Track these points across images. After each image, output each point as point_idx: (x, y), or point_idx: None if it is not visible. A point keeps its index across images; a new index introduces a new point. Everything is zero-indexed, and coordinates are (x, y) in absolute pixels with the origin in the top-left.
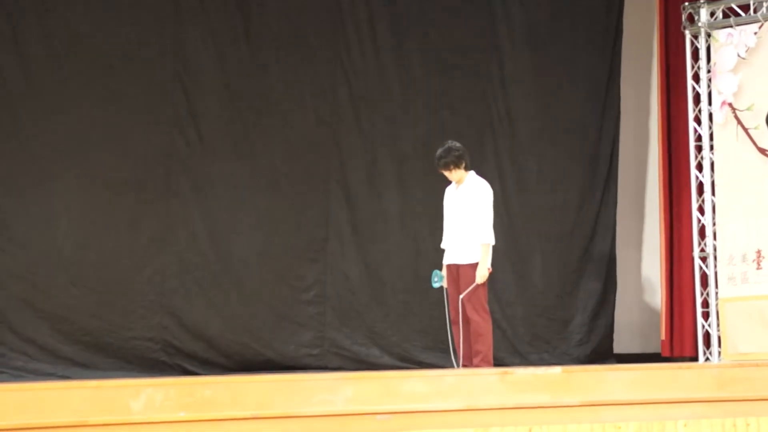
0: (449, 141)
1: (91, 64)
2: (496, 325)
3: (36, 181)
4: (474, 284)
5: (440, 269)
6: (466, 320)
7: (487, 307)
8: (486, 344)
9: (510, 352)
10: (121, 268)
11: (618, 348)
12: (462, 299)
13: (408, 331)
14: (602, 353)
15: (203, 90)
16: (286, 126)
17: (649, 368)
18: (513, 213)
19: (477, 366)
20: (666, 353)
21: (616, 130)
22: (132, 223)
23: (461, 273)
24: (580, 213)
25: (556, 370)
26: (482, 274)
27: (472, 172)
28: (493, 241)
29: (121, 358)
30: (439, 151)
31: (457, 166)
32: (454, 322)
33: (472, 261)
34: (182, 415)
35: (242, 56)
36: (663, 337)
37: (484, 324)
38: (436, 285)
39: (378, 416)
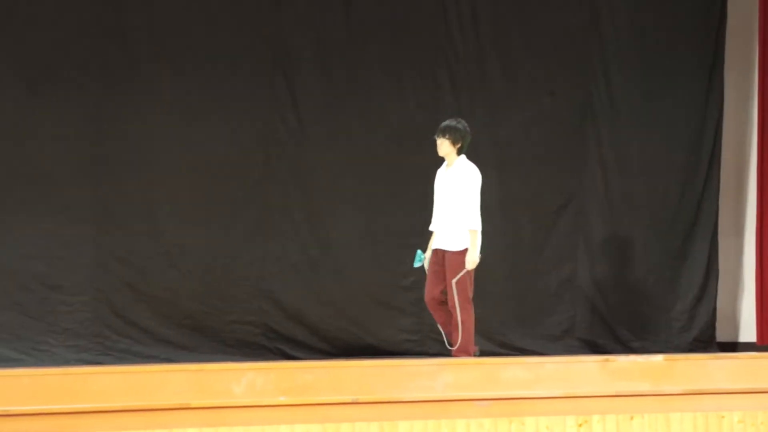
0: (460, 119)
1: (192, 52)
2: (596, 312)
3: (138, 167)
4: (463, 271)
5: (424, 251)
6: (451, 306)
7: (470, 296)
8: (467, 334)
9: (611, 340)
10: (221, 252)
11: (721, 336)
12: (435, 287)
13: (507, 317)
14: (704, 341)
15: (303, 76)
16: (386, 111)
17: (753, 357)
18: (614, 200)
19: (456, 356)
20: (761, 342)
21: (720, 116)
22: (232, 208)
23: (447, 259)
24: (681, 199)
25: (658, 358)
26: (472, 260)
27: (463, 156)
28: (479, 227)
29: (222, 341)
30: (447, 120)
31: (448, 139)
32: (429, 304)
33: (458, 248)
34: (282, 399)
35: (342, 42)
36: (757, 325)
37: (465, 314)
38: (416, 265)
39: (477, 402)
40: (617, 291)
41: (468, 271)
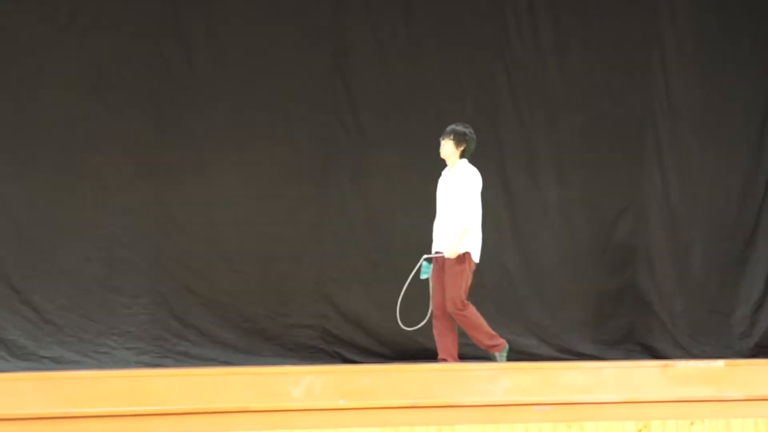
0: (468, 125)
1: (251, 55)
2: (656, 317)
3: (197, 170)
4: (459, 275)
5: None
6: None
7: (464, 298)
8: (481, 330)
9: (671, 345)
10: (280, 255)
11: None
12: (437, 291)
13: (567, 322)
14: (766, 347)
15: (361, 78)
16: (444, 114)
17: None
18: (673, 204)
19: (489, 349)
20: None
21: None
22: (291, 211)
23: (447, 263)
24: (742, 203)
25: (719, 363)
26: (453, 251)
27: (464, 160)
28: (471, 226)
29: (281, 345)
30: (454, 124)
31: (452, 140)
32: (435, 313)
33: (458, 251)
34: (341, 403)
35: (401, 44)
36: None
37: (463, 316)
38: (423, 276)
39: (536, 407)
40: (677, 296)
41: (466, 277)
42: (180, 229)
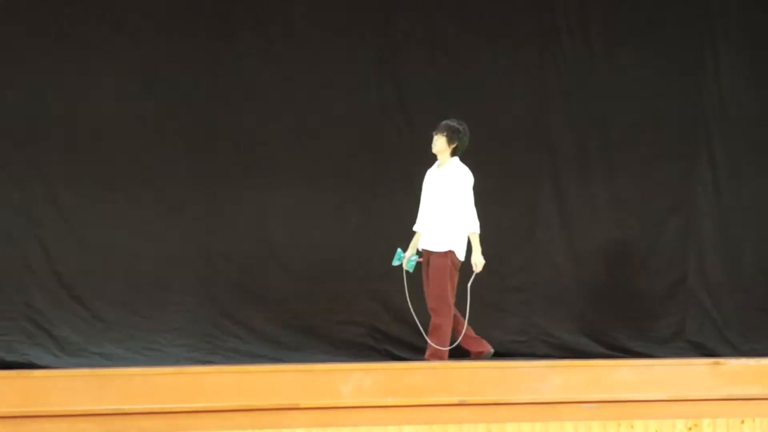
0: (462, 122)
1: (299, 53)
2: (707, 315)
3: (247, 167)
4: (444, 272)
5: (417, 252)
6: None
7: (449, 301)
8: (442, 338)
9: (721, 342)
10: (329, 253)
11: None
12: (427, 289)
13: (617, 319)
14: None
15: (410, 75)
16: (494, 111)
17: None
18: (725, 201)
19: (427, 359)
20: None
21: None
22: (340, 208)
23: (432, 261)
24: None
25: None
26: (479, 262)
27: (456, 158)
28: (479, 229)
29: (330, 342)
30: (448, 119)
31: (445, 136)
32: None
33: (442, 249)
34: (390, 400)
35: (451, 43)
36: None
37: (442, 317)
38: (395, 263)
39: (585, 405)
40: (728, 293)
41: (451, 275)
42: (230, 227)
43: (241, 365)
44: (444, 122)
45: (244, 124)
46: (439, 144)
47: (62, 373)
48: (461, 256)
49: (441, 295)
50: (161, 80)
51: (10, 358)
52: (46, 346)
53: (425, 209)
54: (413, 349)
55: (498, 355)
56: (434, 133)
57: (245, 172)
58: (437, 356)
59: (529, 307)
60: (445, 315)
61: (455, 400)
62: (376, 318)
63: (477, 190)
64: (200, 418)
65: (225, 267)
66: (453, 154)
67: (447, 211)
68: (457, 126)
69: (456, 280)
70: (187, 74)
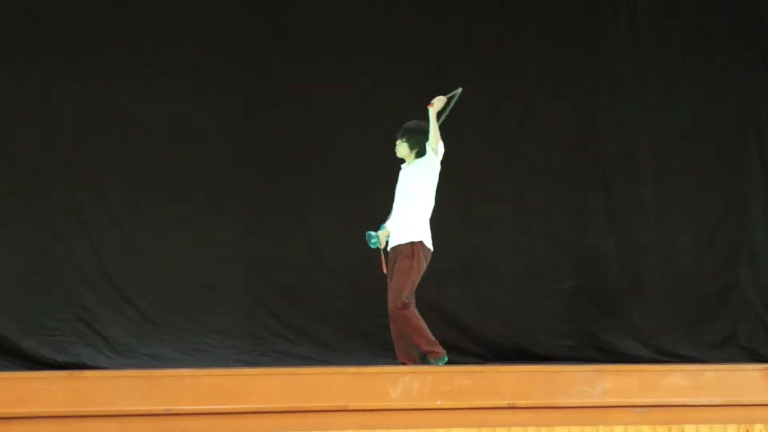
0: (422, 121)
1: (347, 59)
2: (759, 320)
3: (294, 170)
4: (406, 274)
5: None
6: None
7: (405, 299)
8: (422, 334)
9: None
10: (375, 255)
11: None
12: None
13: (667, 324)
14: None
15: (459, 78)
16: (541, 114)
17: None
18: None
19: (402, 362)
20: None
21: None
22: (387, 211)
23: (397, 260)
24: None
25: None
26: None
27: (423, 157)
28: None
29: (378, 344)
30: (409, 122)
31: (405, 142)
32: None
33: (411, 240)
34: (439, 403)
35: (497, 45)
36: None
37: (403, 315)
38: (373, 245)
39: (636, 409)
40: None
41: (415, 274)
42: (276, 229)
43: (289, 367)
44: (404, 126)
45: (293, 127)
46: (402, 149)
47: (113, 373)
48: (429, 244)
49: (401, 292)
50: (210, 83)
51: (62, 358)
52: (98, 347)
53: (394, 208)
54: (460, 352)
55: (547, 358)
56: (396, 137)
57: (294, 175)
58: (433, 353)
59: (578, 311)
60: (404, 314)
61: (504, 403)
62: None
63: (528, 196)
64: (248, 419)
65: (274, 269)
66: (418, 156)
67: (413, 203)
68: (416, 128)
69: (420, 274)
70: (236, 77)
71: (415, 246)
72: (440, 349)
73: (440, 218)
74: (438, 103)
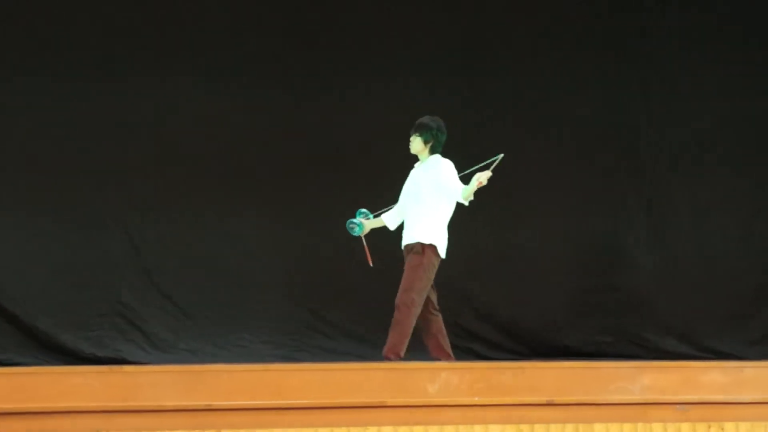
0: (436, 117)
1: (391, 54)
2: None
3: (334, 165)
4: (416, 269)
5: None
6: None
7: (416, 299)
8: (401, 334)
9: None
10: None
11: None
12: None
13: (706, 320)
14: None
15: (492, 76)
16: (580, 115)
17: None
18: None
19: (386, 356)
20: None
21: None
22: None
23: (409, 256)
24: None
25: None
26: (485, 175)
27: (437, 155)
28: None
29: (415, 340)
30: (422, 117)
31: (420, 137)
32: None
33: (426, 241)
34: (477, 400)
35: (537, 46)
36: None
37: (404, 314)
38: (357, 233)
39: (676, 406)
40: None
41: (425, 272)
42: (316, 225)
43: (327, 363)
44: (418, 121)
45: (331, 125)
46: (416, 144)
47: (152, 368)
48: (442, 252)
49: (408, 291)
50: (247, 77)
51: (101, 353)
52: (137, 342)
53: (403, 205)
54: (498, 348)
55: (586, 355)
56: (410, 133)
57: (334, 170)
58: (394, 352)
59: (617, 308)
60: (407, 313)
61: (543, 399)
62: (460, 316)
63: (564, 191)
64: (287, 415)
65: (313, 265)
66: (432, 151)
67: (430, 206)
68: (429, 122)
69: (431, 278)
70: (274, 77)
71: (426, 247)
72: (402, 355)
73: (480, 214)
74: (485, 179)
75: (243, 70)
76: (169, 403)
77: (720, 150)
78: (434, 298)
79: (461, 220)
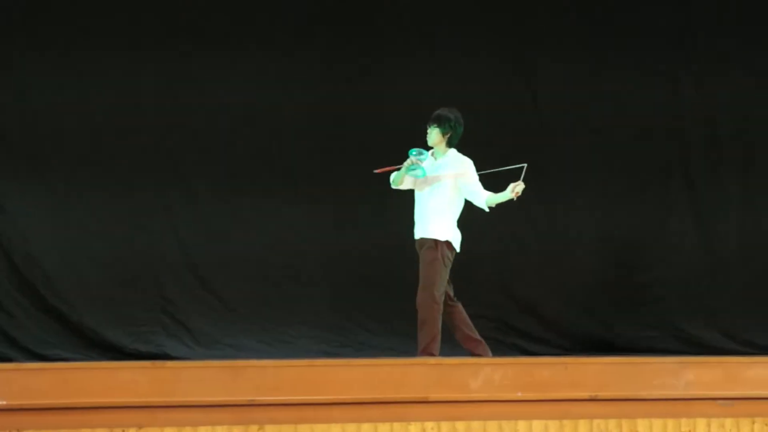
0: (453, 108)
1: (436, 41)
2: None
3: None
4: (432, 265)
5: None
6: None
7: (437, 296)
8: (429, 334)
9: None
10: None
11: None
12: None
13: (750, 315)
14: None
15: (543, 68)
16: (626, 108)
17: None
18: None
19: (419, 355)
20: None
21: None
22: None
23: (423, 252)
24: None
25: None
26: (519, 186)
27: (453, 150)
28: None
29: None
30: (440, 109)
31: (437, 128)
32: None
33: (441, 238)
34: (520, 395)
35: (583, 35)
36: None
37: (428, 310)
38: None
39: (719, 402)
40: None
41: (441, 267)
42: (361, 220)
43: (371, 358)
44: (435, 113)
45: (373, 122)
46: (433, 136)
47: (196, 364)
48: (457, 246)
49: (427, 288)
50: (296, 72)
51: (145, 348)
52: (180, 338)
53: (420, 198)
54: (542, 343)
55: (630, 350)
56: (427, 125)
57: (374, 164)
58: (427, 352)
59: (661, 303)
60: (431, 311)
61: (586, 395)
62: (503, 311)
63: (610, 185)
64: (330, 410)
65: (356, 260)
66: (449, 144)
67: (448, 203)
68: (449, 115)
69: (448, 272)
70: (324, 66)
71: (440, 243)
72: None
73: (521, 209)
74: (521, 191)
75: (295, 64)
76: (212, 399)
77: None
78: (450, 290)
79: (503, 215)
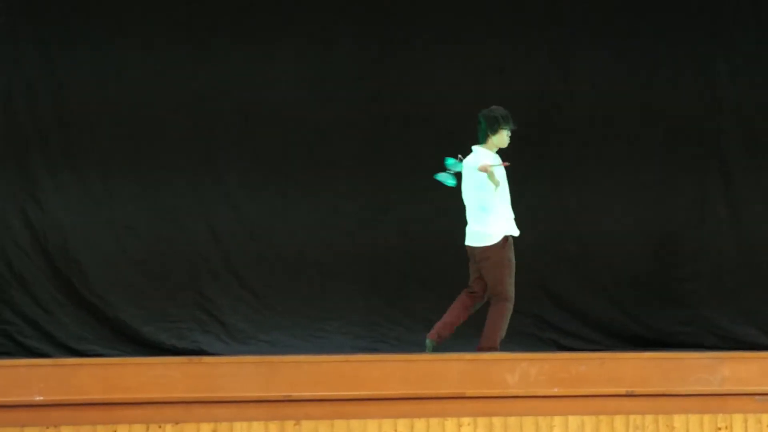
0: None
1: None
2: None
3: (413, 159)
4: (501, 262)
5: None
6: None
7: (508, 288)
8: (496, 329)
9: None
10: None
11: None
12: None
13: None
14: None
15: (575, 63)
16: (661, 103)
17: None
18: None
19: (479, 350)
20: None
21: None
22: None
23: (480, 258)
24: None
25: None
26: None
27: (477, 147)
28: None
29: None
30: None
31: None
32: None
33: (492, 243)
34: (556, 391)
35: (614, 33)
36: None
37: (501, 304)
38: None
39: (756, 397)
40: None
41: (509, 262)
42: (395, 215)
43: (407, 354)
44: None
45: (421, 117)
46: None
47: (231, 359)
48: (513, 231)
49: (499, 283)
50: (332, 66)
51: (181, 344)
52: (216, 333)
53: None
54: (578, 339)
55: (666, 345)
56: (513, 128)
57: (411, 163)
58: (490, 346)
59: (697, 298)
60: (503, 305)
61: (622, 390)
62: (540, 307)
63: (644, 181)
64: (366, 405)
65: (391, 256)
66: (479, 141)
67: (487, 206)
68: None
69: (513, 262)
70: (358, 60)
71: (496, 245)
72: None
73: (558, 203)
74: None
75: (332, 57)
76: (248, 394)
77: None
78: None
79: (540, 210)
